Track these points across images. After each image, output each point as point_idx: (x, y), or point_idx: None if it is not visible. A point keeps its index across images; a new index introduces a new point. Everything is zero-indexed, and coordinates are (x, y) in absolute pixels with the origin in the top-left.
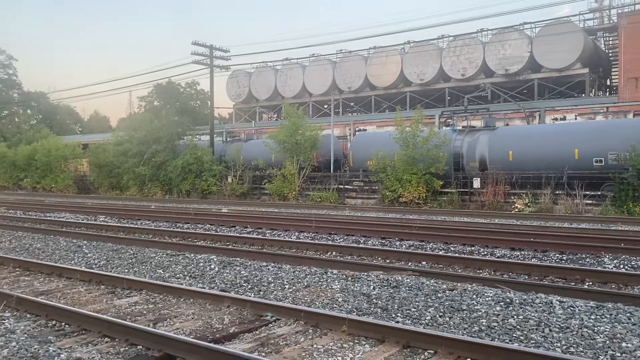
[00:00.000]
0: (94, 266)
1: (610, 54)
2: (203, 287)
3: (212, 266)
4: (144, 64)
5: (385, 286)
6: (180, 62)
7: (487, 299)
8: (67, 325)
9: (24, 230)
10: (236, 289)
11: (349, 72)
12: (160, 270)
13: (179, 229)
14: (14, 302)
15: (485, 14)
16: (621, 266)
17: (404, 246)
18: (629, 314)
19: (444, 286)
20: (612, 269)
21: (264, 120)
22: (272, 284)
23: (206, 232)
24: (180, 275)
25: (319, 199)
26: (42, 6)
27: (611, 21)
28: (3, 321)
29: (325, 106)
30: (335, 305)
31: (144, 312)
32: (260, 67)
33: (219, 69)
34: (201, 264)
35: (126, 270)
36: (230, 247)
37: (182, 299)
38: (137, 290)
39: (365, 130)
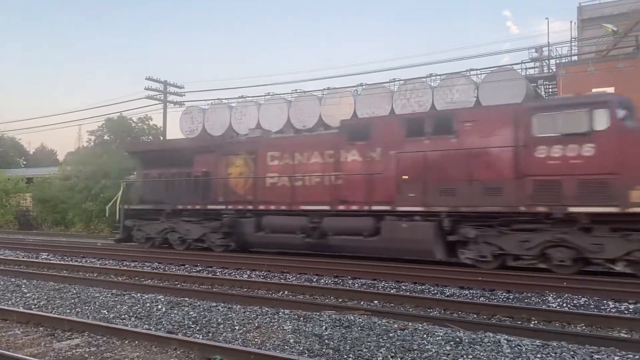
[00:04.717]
0: (33, 307)
1: None
2: (149, 329)
3: (159, 306)
4: (94, 98)
5: (337, 326)
6: (133, 96)
7: (437, 338)
8: None
9: None
10: (184, 331)
11: (303, 111)
12: (105, 311)
13: (125, 267)
14: None
15: (434, 60)
16: (564, 305)
17: (356, 285)
18: (572, 352)
19: (396, 325)
20: (556, 307)
21: None
22: (222, 325)
23: (154, 270)
24: (126, 316)
25: None
26: None
27: (550, 70)
28: None
29: None
30: (286, 347)
31: (86, 355)
32: (214, 103)
33: (172, 105)
34: (147, 304)
35: (68, 311)
36: (178, 286)
37: (126, 341)
38: (79, 332)
39: None
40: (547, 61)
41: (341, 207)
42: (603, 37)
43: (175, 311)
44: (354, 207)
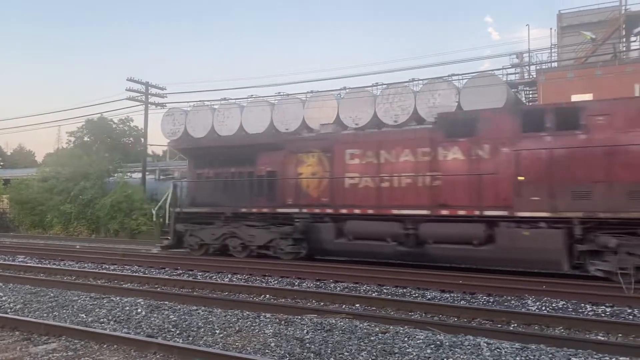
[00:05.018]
0: (9, 310)
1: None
2: (128, 333)
3: (139, 310)
4: (74, 99)
5: (318, 330)
6: (114, 98)
7: (418, 341)
8: None
9: None
10: (164, 335)
11: (287, 113)
12: (83, 315)
13: (104, 271)
14: None
15: (416, 64)
16: (543, 308)
17: (338, 288)
18: (550, 355)
19: (377, 329)
20: (535, 310)
21: None
22: (202, 329)
23: (134, 273)
24: (105, 319)
25: None
26: None
27: (531, 76)
28: None
29: None
30: (267, 351)
31: (63, 359)
32: (197, 105)
33: (154, 106)
34: (127, 308)
35: (45, 315)
36: (159, 289)
37: (105, 345)
38: (56, 336)
39: None
40: (527, 67)
41: (444, 212)
42: (582, 44)
43: (155, 315)
44: (461, 212)
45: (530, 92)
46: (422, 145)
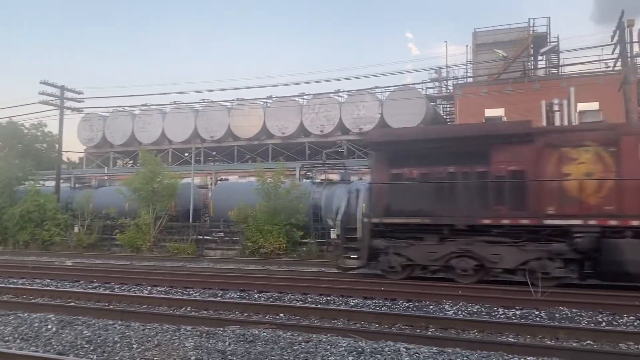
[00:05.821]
0: None
1: (448, 119)
2: (37, 351)
3: (49, 326)
4: None
5: (241, 341)
6: (26, 101)
7: (340, 349)
8: None
9: None
10: (76, 351)
11: (211, 121)
12: None
13: (11, 285)
14: None
15: (341, 76)
16: (459, 312)
17: (262, 298)
18: (465, 358)
19: (300, 338)
20: (451, 315)
21: (118, 166)
22: (119, 344)
23: (44, 287)
24: (10, 338)
25: (175, 251)
26: None
27: (448, 90)
28: None
29: (186, 154)
30: None
31: None
32: (116, 111)
33: (70, 111)
34: (36, 324)
35: None
36: (72, 304)
37: None
38: None
39: (227, 180)
40: (445, 82)
41: None
42: (495, 61)
43: (67, 330)
44: None
45: (448, 106)
46: None
